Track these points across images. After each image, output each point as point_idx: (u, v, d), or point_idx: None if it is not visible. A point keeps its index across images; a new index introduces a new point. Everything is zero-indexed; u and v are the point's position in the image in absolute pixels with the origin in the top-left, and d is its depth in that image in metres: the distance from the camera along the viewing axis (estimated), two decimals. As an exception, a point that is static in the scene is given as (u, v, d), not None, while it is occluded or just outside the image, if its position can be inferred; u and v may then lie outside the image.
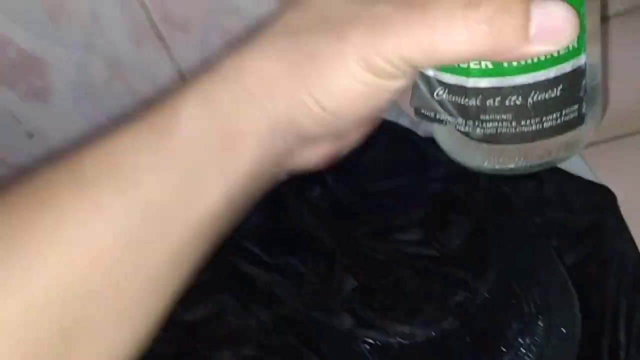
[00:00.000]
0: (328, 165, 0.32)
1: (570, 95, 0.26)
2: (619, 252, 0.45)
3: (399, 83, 0.25)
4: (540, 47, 0.23)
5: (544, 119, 0.26)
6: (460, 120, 0.27)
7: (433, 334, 0.44)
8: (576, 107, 0.27)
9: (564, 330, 0.43)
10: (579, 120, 0.27)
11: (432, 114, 0.28)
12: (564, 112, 0.26)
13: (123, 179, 0.25)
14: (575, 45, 0.24)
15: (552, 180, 0.50)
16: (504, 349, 0.43)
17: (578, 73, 0.25)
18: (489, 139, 0.27)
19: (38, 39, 0.51)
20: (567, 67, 0.25)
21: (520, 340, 0.43)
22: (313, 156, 0.30)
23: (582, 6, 0.24)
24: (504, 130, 0.26)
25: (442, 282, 0.45)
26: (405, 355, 0.44)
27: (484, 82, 0.25)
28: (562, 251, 0.47)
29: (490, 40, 0.23)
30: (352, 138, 0.31)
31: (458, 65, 0.25)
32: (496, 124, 0.26)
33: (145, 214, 0.25)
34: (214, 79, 0.27)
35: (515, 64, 0.24)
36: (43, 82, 0.54)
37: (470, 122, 0.26)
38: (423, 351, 0.44)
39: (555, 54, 0.24)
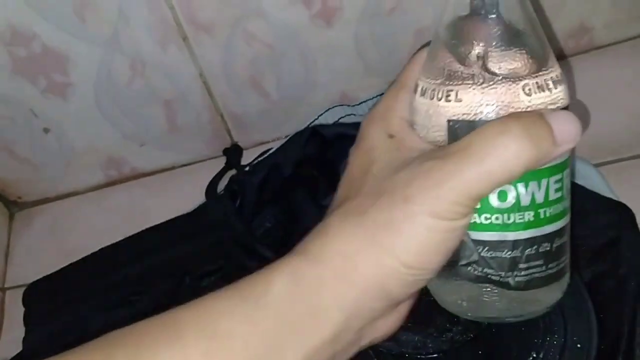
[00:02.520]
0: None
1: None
2: (637, 268, 0.45)
3: (466, 219, 0.29)
4: (564, 147, 0.28)
5: (560, 261, 0.32)
6: (497, 272, 0.31)
7: (445, 345, 0.43)
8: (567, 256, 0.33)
9: (579, 346, 0.42)
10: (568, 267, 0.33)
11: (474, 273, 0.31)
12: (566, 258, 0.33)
13: (216, 343, 0.28)
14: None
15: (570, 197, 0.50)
16: (516, 363, 0.42)
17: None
18: (522, 286, 0.31)
19: (63, 34, 0.51)
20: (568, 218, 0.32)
21: (534, 354, 0.43)
22: (395, 319, 0.33)
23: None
24: (536, 274, 0.31)
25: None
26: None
27: (525, 234, 0.30)
28: (579, 267, 0.46)
29: (531, 150, 0.27)
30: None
31: (504, 222, 0.29)
32: (531, 270, 0.31)
33: None
34: (302, 259, 0.30)
35: (547, 216, 0.30)
36: (64, 78, 0.54)
37: (508, 273, 0.31)
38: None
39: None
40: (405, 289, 0.30)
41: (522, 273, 0.31)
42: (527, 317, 0.33)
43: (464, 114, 0.30)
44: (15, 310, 0.58)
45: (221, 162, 0.63)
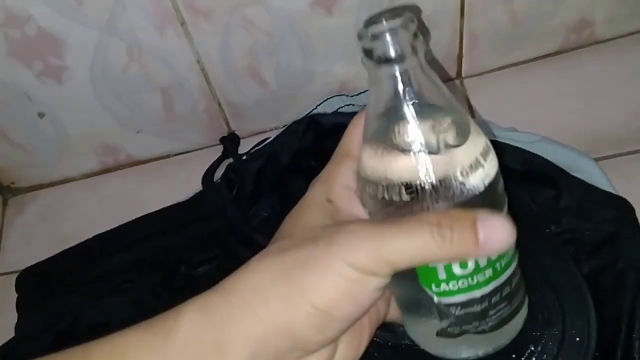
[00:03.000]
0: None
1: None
2: (636, 262, 0.45)
3: (378, 280, 0.30)
4: (490, 252, 0.30)
5: (519, 293, 0.35)
6: (472, 324, 0.34)
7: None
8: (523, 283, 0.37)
9: (578, 339, 0.42)
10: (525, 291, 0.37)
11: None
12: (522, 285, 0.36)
13: None
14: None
15: (571, 190, 0.49)
16: (514, 356, 0.42)
17: None
18: (495, 327, 0.34)
19: (59, 17, 0.50)
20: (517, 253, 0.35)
21: (532, 347, 0.42)
22: None
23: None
24: (504, 314, 0.34)
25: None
26: (413, 357, 0.43)
27: (489, 288, 0.33)
28: (578, 260, 0.46)
29: (451, 253, 0.30)
30: (352, 353, 0.34)
31: (469, 284, 0.32)
32: (500, 312, 0.34)
33: None
34: (214, 291, 0.31)
35: (502, 266, 0.33)
36: (60, 62, 0.53)
37: (482, 321, 0.34)
38: (431, 354, 0.43)
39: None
40: (311, 332, 0.30)
41: (493, 317, 0.34)
42: (497, 349, 0.36)
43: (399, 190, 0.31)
44: (7, 296, 0.58)
45: (218, 151, 0.63)
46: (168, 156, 0.65)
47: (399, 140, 0.31)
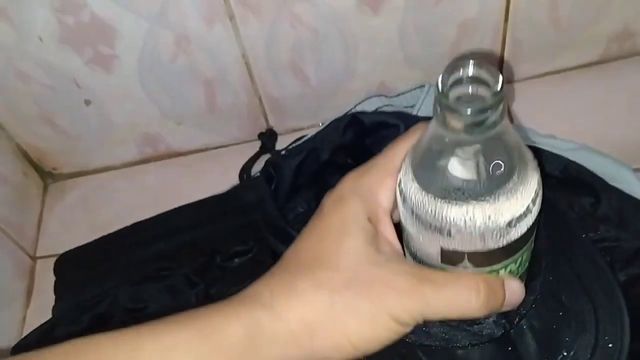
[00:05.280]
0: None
1: None
2: (672, 273, 0.45)
3: (410, 328, 0.34)
4: (506, 308, 0.37)
5: None
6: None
7: (474, 339, 0.43)
8: None
9: (610, 346, 0.42)
10: None
11: None
12: None
13: None
14: None
15: (609, 199, 0.49)
16: (547, 361, 0.42)
17: None
18: None
19: (113, 5, 0.51)
20: None
21: (564, 353, 0.42)
22: None
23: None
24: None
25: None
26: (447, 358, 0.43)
27: None
28: (614, 269, 0.46)
29: (482, 311, 0.34)
30: None
31: None
32: None
33: None
34: (265, 313, 0.33)
35: None
36: (110, 50, 0.54)
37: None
38: (465, 356, 0.43)
39: None
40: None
41: None
42: None
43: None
44: (45, 279, 0.59)
45: (255, 146, 0.64)
46: (206, 149, 0.66)
47: (455, 183, 0.32)
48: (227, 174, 0.61)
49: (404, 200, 0.35)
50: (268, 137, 0.63)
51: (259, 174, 0.59)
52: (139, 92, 0.58)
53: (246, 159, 0.62)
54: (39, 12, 0.51)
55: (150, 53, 0.55)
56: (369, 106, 0.61)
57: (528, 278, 0.44)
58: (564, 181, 0.51)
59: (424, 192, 0.33)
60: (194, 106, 0.61)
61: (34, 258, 0.62)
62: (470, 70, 0.31)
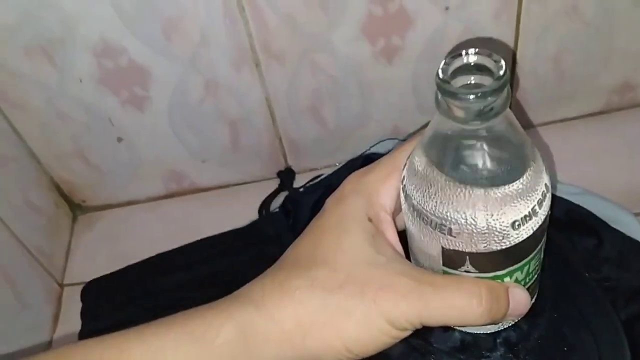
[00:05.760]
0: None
1: None
2: (672, 312, 0.47)
3: (408, 333, 0.33)
4: (510, 317, 0.35)
5: None
6: None
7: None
8: None
9: (613, 383, 0.43)
10: None
11: None
12: None
13: None
14: None
15: (611, 241, 0.51)
16: (550, 394, 0.43)
17: None
18: None
19: (149, 50, 0.55)
20: None
21: (567, 388, 0.44)
22: None
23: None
24: None
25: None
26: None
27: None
28: (616, 308, 0.48)
29: (485, 319, 0.32)
30: None
31: None
32: None
33: None
34: (257, 313, 0.32)
35: None
36: (144, 92, 0.58)
37: None
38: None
39: None
40: None
41: None
42: None
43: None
44: (72, 305, 0.62)
45: (274, 184, 0.67)
46: (227, 186, 0.69)
47: (456, 177, 0.31)
48: (247, 209, 0.64)
49: (406, 195, 0.33)
50: (286, 175, 0.67)
51: (277, 209, 0.62)
52: (168, 132, 0.62)
53: (265, 196, 0.65)
54: (82, 55, 0.55)
55: (180, 95, 0.59)
56: (382, 148, 0.64)
57: (533, 314, 0.46)
58: (569, 223, 0.54)
59: (424, 186, 0.32)
60: (218, 145, 0.64)
61: (61, 285, 0.65)
62: (472, 57, 0.29)
